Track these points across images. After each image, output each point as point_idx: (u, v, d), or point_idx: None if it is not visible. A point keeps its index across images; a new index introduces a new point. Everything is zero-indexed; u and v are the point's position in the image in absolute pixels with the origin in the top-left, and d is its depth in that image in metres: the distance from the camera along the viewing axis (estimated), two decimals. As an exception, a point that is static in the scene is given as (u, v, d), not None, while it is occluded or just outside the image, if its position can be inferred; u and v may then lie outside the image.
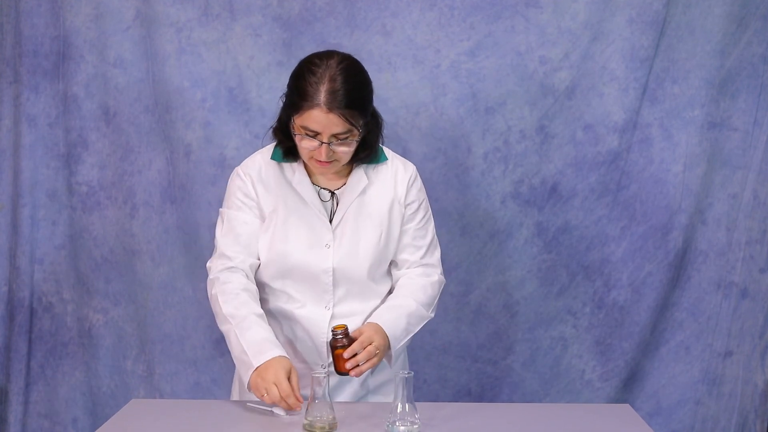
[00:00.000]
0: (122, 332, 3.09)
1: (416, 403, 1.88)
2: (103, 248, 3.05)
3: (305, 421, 1.88)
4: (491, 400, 3.07)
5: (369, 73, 2.87)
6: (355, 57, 2.86)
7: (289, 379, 1.95)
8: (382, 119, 2.15)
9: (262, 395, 1.95)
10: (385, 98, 2.91)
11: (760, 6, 2.88)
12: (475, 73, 2.92)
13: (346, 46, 2.90)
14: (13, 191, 3.06)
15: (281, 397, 1.92)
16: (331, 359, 2.05)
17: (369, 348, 2.01)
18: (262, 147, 2.21)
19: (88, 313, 3.08)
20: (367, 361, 2.00)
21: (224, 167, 2.97)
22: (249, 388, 2.00)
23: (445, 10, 2.90)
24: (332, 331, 2.00)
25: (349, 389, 2.19)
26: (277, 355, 1.99)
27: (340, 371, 2.01)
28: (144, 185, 3.02)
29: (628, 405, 2.17)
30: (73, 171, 3.04)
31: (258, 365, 1.97)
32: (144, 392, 3.10)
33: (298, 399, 1.93)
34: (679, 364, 3.05)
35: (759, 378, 3.05)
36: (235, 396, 2.28)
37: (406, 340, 2.15)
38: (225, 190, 2.99)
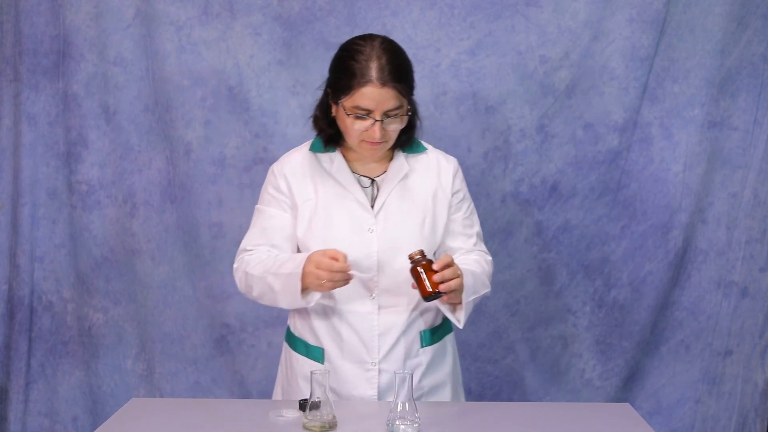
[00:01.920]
0: (122, 331, 3.09)
1: (416, 402, 1.88)
2: (103, 247, 3.05)
3: (305, 420, 1.88)
4: (491, 399, 3.07)
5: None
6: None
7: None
8: (416, 103, 2.14)
9: (323, 278, 1.94)
10: (385, 97, 2.91)
11: (761, 5, 2.88)
12: (475, 72, 2.91)
13: (347, 45, 2.90)
14: (13, 190, 3.06)
15: (340, 269, 1.93)
16: (382, 355, 2.02)
17: (453, 267, 1.94)
18: (300, 144, 2.22)
19: (88, 312, 3.08)
20: (453, 279, 1.93)
21: (224, 166, 2.97)
22: (304, 288, 1.99)
23: (445, 10, 2.90)
24: (410, 257, 1.94)
25: (402, 391, 2.13)
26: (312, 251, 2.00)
27: (427, 294, 1.92)
28: (144, 184, 3.02)
29: (628, 404, 2.17)
30: (73, 170, 3.03)
31: (303, 265, 1.97)
32: (144, 391, 3.10)
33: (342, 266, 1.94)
34: (679, 363, 3.05)
35: (759, 377, 3.05)
36: (278, 396, 2.26)
37: (473, 297, 2.05)
38: (224, 189, 3.01)
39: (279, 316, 3.03)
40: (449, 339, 2.22)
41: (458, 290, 1.97)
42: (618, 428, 1.96)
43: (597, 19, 2.87)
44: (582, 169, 2.95)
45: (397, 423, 1.85)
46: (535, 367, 3.05)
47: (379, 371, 2.09)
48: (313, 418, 1.87)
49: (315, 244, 2.08)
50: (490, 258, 2.25)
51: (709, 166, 2.96)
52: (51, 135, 3.04)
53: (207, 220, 2.99)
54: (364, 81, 1.97)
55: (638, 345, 3.03)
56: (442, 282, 1.92)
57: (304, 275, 1.98)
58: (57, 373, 3.14)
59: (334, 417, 1.88)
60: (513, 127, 2.93)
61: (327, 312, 2.11)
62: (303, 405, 1.97)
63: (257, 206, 2.20)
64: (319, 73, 2.91)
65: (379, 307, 2.09)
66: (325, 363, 2.12)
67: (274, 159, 2.92)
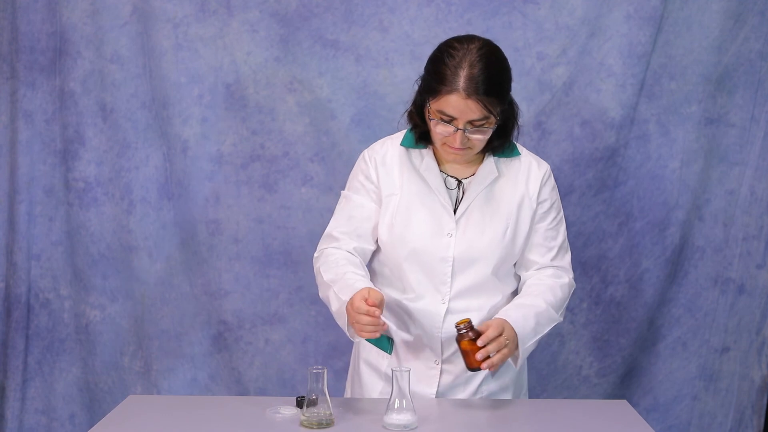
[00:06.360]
0: (119, 328, 3.09)
1: (413, 399, 1.88)
2: (100, 244, 3.05)
3: (302, 417, 1.88)
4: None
5: (366, 70, 2.90)
6: (352, 52, 2.86)
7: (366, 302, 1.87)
8: (518, 109, 2.10)
9: (361, 331, 1.89)
10: (382, 94, 2.91)
11: (758, 2, 2.88)
12: (472, 69, 2.91)
13: (344, 42, 2.90)
14: (9, 187, 3.06)
15: (366, 311, 1.86)
16: (447, 355, 2.01)
17: (499, 339, 1.91)
18: (395, 132, 2.19)
19: (85, 309, 3.08)
20: (498, 352, 1.90)
21: (221, 163, 2.97)
22: (352, 335, 1.97)
23: (442, 6, 2.89)
24: (456, 326, 1.92)
25: (461, 396, 2.12)
26: (361, 287, 1.92)
27: (471, 366, 1.92)
28: (141, 181, 3.02)
29: (625, 401, 2.17)
30: (69, 167, 3.03)
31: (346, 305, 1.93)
32: (141, 388, 3.10)
33: (374, 316, 1.86)
34: (676, 359, 3.05)
35: (756, 374, 3.05)
36: (349, 382, 2.27)
37: (534, 340, 2.04)
38: (222, 186, 3.01)
39: (277, 314, 3.02)
40: None
41: (507, 353, 1.93)
42: (615, 425, 1.96)
43: (594, 16, 2.87)
44: (579, 166, 2.95)
45: (394, 419, 1.85)
46: (532, 363, 3.05)
47: (441, 371, 2.10)
48: (310, 415, 1.87)
49: (392, 239, 2.08)
50: (567, 280, 2.16)
51: (706, 162, 2.96)
52: (48, 132, 3.04)
53: (204, 217, 2.99)
54: (450, 89, 1.92)
55: (635, 342, 3.03)
56: (486, 357, 1.89)
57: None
58: (54, 370, 3.13)
59: (331, 414, 1.88)
60: (510, 124, 2.93)
61: (398, 306, 2.10)
62: (300, 402, 1.97)
63: (345, 192, 2.17)
64: (316, 70, 2.93)
65: (448, 311, 2.07)
66: (392, 354, 2.12)
67: (272, 156, 2.96)
